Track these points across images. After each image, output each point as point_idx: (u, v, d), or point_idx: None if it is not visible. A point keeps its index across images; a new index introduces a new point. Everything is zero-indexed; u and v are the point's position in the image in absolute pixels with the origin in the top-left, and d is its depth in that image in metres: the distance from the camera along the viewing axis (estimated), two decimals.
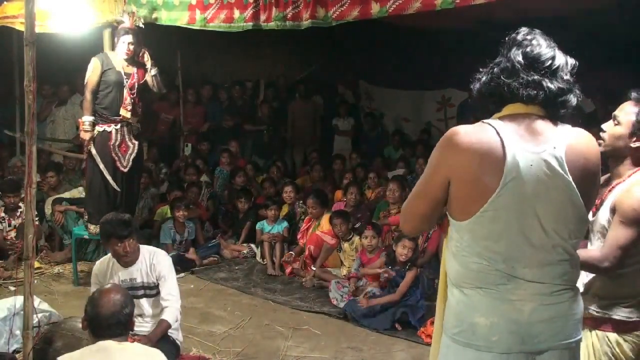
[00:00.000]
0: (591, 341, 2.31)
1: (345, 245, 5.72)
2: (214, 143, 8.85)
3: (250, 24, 4.82)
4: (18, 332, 3.70)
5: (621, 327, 2.28)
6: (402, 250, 4.90)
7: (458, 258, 1.83)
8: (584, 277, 2.35)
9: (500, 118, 1.80)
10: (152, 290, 3.59)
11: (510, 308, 1.75)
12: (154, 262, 3.58)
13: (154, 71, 5.39)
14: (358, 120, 9.64)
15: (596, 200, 2.33)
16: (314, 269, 5.75)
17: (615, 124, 2.33)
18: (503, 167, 1.70)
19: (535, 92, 1.76)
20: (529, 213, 1.73)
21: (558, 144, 1.75)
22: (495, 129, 1.75)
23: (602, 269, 2.21)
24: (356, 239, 5.65)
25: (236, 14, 4.88)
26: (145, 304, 3.60)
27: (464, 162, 1.73)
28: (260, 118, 9.08)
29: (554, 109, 1.79)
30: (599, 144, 2.31)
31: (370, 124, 9.51)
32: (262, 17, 4.73)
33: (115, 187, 5.32)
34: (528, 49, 1.79)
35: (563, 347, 1.79)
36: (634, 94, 2.33)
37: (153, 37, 6.25)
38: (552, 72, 1.78)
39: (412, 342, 4.46)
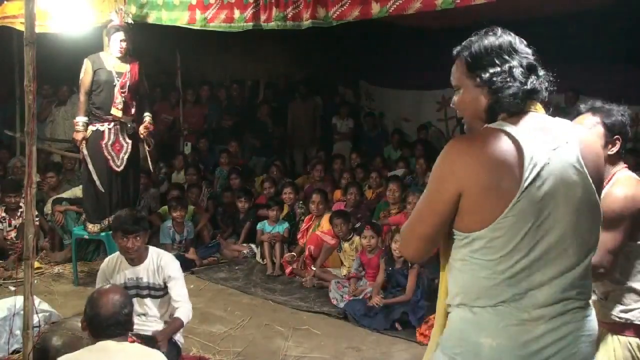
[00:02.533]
0: (612, 346, 2.31)
1: (345, 245, 5.72)
2: (213, 143, 8.86)
3: (251, 24, 4.82)
4: (18, 332, 3.70)
5: None
6: (396, 245, 4.91)
7: (466, 274, 1.69)
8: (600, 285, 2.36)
9: (503, 120, 1.69)
10: (157, 292, 3.59)
11: (520, 329, 1.62)
12: (161, 264, 3.58)
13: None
14: (358, 121, 9.64)
15: None
16: (314, 269, 5.75)
17: None
18: (522, 170, 1.59)
19: (540, 89, 1.69)
20: (551, 215, 1.62)
21: (570, 139, 1.66)
22: (505, 131, 1.64)
23: (598, 275, 2.18)
24: (356, 239, 5.65)
25: (236, 14, 4.88)
26: (150, 304, 3.60)
27: (478, 170, 1.61)
28: (260, 118, 9.08)
29: (543, 103, 1.72)
30: None
31: (370, 124, 9.51)
32: (263, 17, 4.74)
33: (101, 188, 5.33)
34: (522, 52, 1.71)
35: None
36: (583, 107, 2.32)
37: (153, 37, 6.26)
38: (535, 67, 1.71)
39: (412, 342, 4.45)
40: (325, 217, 6.01)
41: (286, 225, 6.39)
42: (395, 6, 4.00)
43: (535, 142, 1.63)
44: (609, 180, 2.30)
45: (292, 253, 6.14)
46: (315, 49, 9.20)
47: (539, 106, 1.73)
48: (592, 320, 1.71)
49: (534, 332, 1.62)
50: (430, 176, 1.74)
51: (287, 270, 6.00)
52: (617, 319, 2.30)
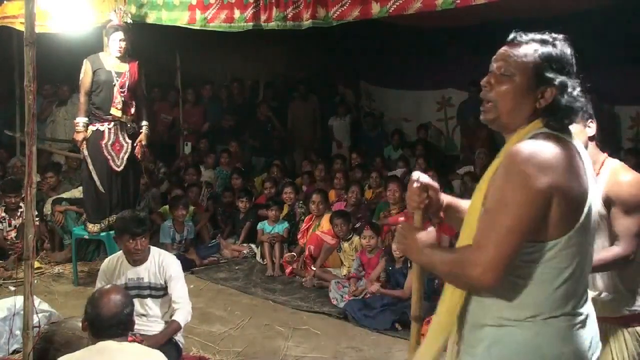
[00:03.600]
0: (623, 339, 2.34)
1: (345, 245, 5.72)
2: (213, 143, 8.86)
3: (251, 24, 4.82)
4: (18, 332, 3.71)
5: None
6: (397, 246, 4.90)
7: (537, 285, 1.64)
8: (600, 282, 2.39)
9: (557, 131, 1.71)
10: (158, 292, 3.59)
11: (583, 332, 1.68)
12: (163, 264, 3.59)
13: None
14: (357, 120, 9.64)
15: None
16: (314, 269, 5.75)
17: None
18: (586, 179, 1.67)
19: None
20: (592, 228, 1.72)
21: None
22: (570, 142, 1.69)
23: (630, 261, 2.28)
24: (356, 239, 5.66)
25: (236, 14, 4.88)
26: (150, 304, 3.60)
27: (566, 176, 1.61)
28: (260, 118, 9.08)
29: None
30: None
31: (370, 124, 9.51)
32: (263, 17, 4.74)
33: (101, 188, 5.34)
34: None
35: None
36: None
37: (152, 37, 6.26)
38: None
39: None
40: (325, 217, 6.01)
41: (286, 225, 6.38)
42: (395, 6, 4.01)
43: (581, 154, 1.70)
44: (600, 167, 2.35)
45: (292, 253, 6.14)
46: (315, 49, 9.20)
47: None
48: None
49: (587, 339, 1.69)
50: (506, 190, 1.60)
51: (287, 270, 6.00)
52: (627, 312, 2.32)
